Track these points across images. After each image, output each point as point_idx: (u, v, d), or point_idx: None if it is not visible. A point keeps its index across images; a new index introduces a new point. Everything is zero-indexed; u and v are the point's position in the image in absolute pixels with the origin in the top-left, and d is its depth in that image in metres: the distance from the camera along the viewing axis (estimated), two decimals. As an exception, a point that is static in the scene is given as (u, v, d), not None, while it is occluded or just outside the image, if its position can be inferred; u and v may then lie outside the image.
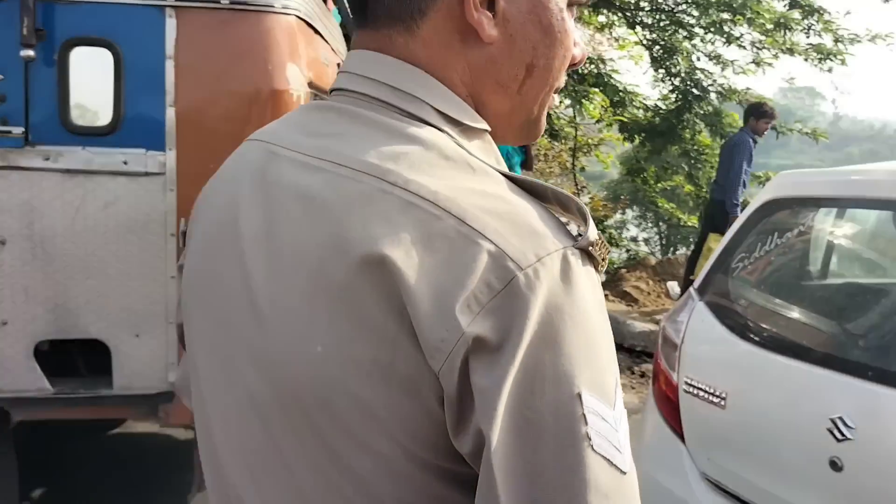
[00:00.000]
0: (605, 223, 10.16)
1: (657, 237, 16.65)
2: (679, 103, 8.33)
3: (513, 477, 0.53)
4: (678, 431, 2.32)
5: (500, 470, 0.53)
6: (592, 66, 7.61)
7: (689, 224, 10.03)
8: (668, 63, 8.30)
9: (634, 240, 15.19)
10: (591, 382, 0.55)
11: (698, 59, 8.49)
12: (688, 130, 8.32)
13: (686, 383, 2.29)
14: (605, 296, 5.67)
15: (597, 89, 7.65)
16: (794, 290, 2.55)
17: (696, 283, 2.49)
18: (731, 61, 8.37)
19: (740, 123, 8.59)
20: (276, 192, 0.66)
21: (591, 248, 0.58)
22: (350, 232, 0.58)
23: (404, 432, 0.57)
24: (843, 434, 1.83)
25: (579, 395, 0.54)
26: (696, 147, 8.52)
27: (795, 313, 2.39)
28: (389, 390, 0.56)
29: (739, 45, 8.35)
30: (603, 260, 0.60)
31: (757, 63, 8.41)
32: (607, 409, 0.56)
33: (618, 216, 14.31)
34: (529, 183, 0.62)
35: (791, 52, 8.19)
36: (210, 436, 0.71)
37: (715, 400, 2.18)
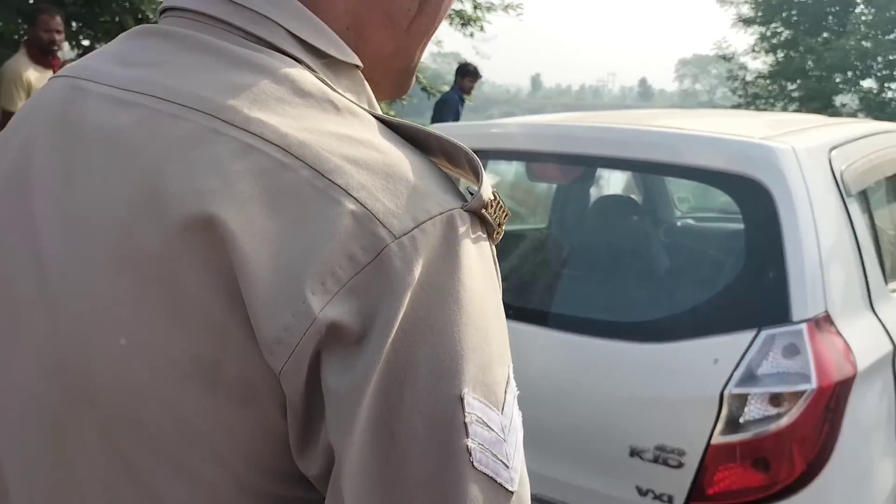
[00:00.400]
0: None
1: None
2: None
3: None
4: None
5: (354, 499, 0.42)
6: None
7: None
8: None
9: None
10: (476, 380, 0.45)
11: (353, 17, 8.64)
12: (347, 89, 8.46)
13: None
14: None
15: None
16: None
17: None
18: (385, 22, 8.66)
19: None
20: (78, 134, 0.51)
21: (484, 210, 0.47)
22: (168, 186, 0.45)
23: (233, 452, 0.45)
24: (489, 371, 1.97)
25: (461, 399, 0.44)
26: (356, 105, 8.71)
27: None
28: (215, 397, 0.44)
29: (392, 7, 8.66)
30: (499, 225, 0.49)
31: (409, 25, 8.79)
32: (494, 413, 0.45)
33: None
34: (409, 128, 0.51)
35: (438, 15, 8.70)
36: None
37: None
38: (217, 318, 0.44)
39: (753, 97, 16.63)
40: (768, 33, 16.93)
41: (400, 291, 0.43)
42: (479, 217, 0.48)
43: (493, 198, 0.48)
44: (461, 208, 0.47)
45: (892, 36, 14.92)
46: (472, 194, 0.48)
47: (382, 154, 0.47)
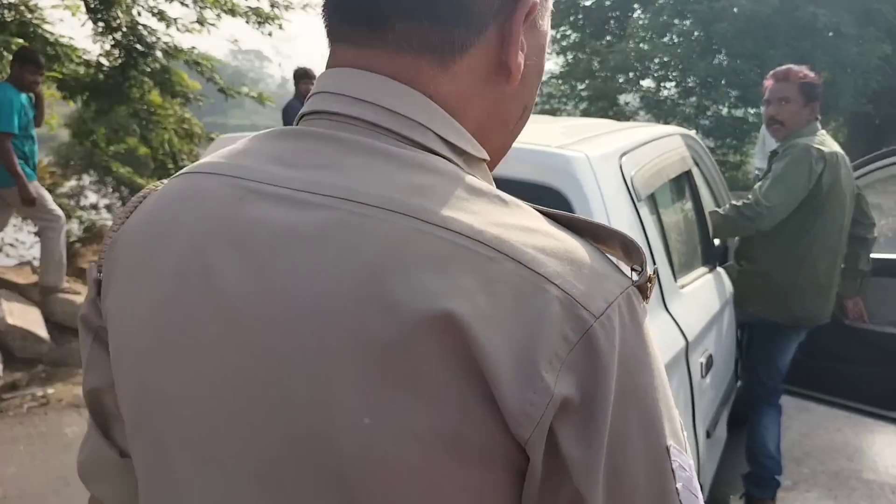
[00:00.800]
0: (58, 191, 9.16)
1: (120, 203, 15.73)
2: (123, 60, 7.80)
3: None
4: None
5: None
6: (14, 13, 6.58)
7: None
8: (106, 16, 7.66)
9: (95, 207, 14.22)
10: (672, 432, 0.54)
11: (139, 13, 8.04)
12: (136, 89, 7.85)
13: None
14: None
15: (21, 40, 6.65)
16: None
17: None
18: (175, 19, 8.13)
19: (190, 83, 8.51)
20: (264, 236, 0.55)
21: (647, 283, 0.56)
22: (394, 284, 0.50)
23: None
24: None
25: (667, 449, 0.53)
26: (146, 107, 8.12)
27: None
28: (457, 463, 0.50)
29: (182, 3, 8.16)
30: (650, 292, 0.57)
31: (201, 22, 8.34)
32: (685, 456, 0.54)
33: (73, 182, 13.13)
34: (564, 216, 0.58)
35: (232, 13, 8.31)
36: None
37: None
38: (458, 397, 0.49)
39: (548, 96, 17.55)
40: (558, 36, 17.91)
41: (609, 365, 0.50)
42: (640, 289, 0.55)
43: (652, 273, 0.56)
44: (632, 285, 0.55)
45: (665, 39, 16.31)
46: (634, 271, 0.56)
47: (560, 242, 0.54)
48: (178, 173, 0.67)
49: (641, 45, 16.20)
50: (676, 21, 16.11)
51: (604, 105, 16.24)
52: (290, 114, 6.98)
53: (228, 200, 0.58)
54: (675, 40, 16.32)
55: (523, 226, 0.54)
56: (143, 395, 0.62)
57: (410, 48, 0.59)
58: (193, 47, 8.26)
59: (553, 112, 16.39)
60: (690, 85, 16.25)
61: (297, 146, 0.60)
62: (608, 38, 17.53)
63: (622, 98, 17.14)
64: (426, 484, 0.50)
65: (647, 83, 16.96)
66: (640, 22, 17.14)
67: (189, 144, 8.43)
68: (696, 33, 15.79)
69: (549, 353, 0.49)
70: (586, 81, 17.20)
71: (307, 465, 0.52)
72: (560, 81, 17.77)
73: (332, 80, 0.61)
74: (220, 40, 9.39)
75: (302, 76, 7.13)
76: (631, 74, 16.71)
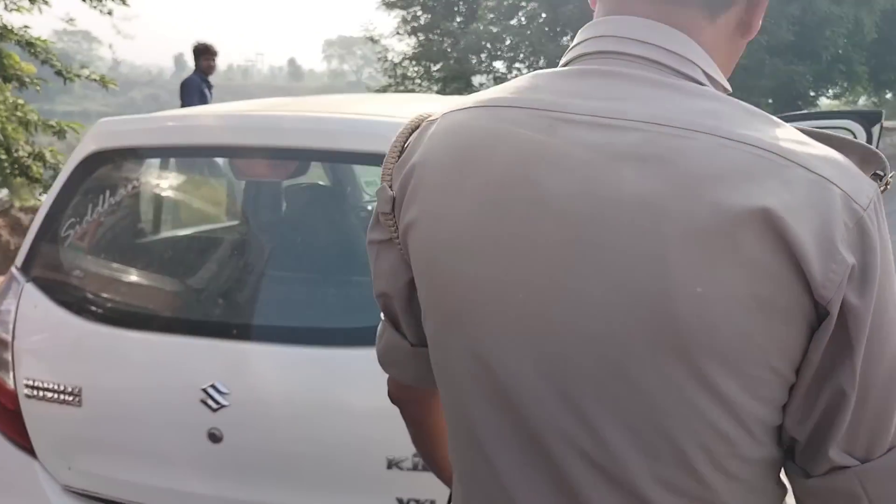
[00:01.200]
0: None
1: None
2: (-57, 41, 7.00)
3: (867, 374, 0.67)
4: (25, 446, 1.89)
5: (862, 370, 0.66)
6: None
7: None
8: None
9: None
10: None
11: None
12: (-41, 74, 7.09)
13: (28, 386, 1.87)
14: None
15: None
16: (135, 254, 2.32)
17: (19, 260, 2.03)
18: (2, -4, 7.39)
19: (23, 65, 7.77)
20: (583, 153, 0.68)
21: (886, 186, 0.70)
22: (714, 187, 0.64)
23: (775, 353, 0.66)
24: (217, 402, 1.72)
25: None
26: (-26, 94, 7.34)
27: (141, 280, 2.17)
28: (768, 320, 0.64)
29: (8, -22, 7.42)
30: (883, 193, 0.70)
31: (31, 1, 7.63)
32: None
33: None
34: (816, 132, 0.71)
35: (69, -10, 7.65)
36: (506, 395, 0.72)
37: (68, 398, 1.83)
38: (771, 269, 0.63)
39: (402, 77, 17.51)
40: (409, 17, 17.88)
41: (876, 245, 0.65)
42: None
43: (889, 177, 0.70)
44: (879, 187, 0.68)
45: (514, 21, 16.68)
46: (877, 175, 0.70)
47: (825, 151, 0.67)
48: (459, 107, 0.78)
49: (491, 27, 16.47)
50: (524, 3, 16.50)
51: (459, 86, 16.40)
52: (189, 87, 6.63)
53: (538, 126, 0.70)
54: (523, 22, 16.73)
55: (796, 139, 0.67)
56: (467, 284, 0.73)
57: (693, 3, 0.73)
58: (26, 26, 7.53)
59: (411, 93, 16.38)
60: (541, 66, 16.73)
61: (588, 82, 0.72)
62: (458, 19, 17.68)
63: (476, 79, 17.38)
64: (743, 336, 0.65)
65: (498, 65, 17.29)
66: (488, 3, 17.41)
67: (24, 133, 7.72)
68: (543, 15, 16.26)
69: (839, 236, 0.63)
70: (440, 63, 17.30)
71: (648, 329, 0.65)
72: (413, 63, 17.78)
73: (614, 27, 0.74)
74: (48, 19, 8.60)
75: (203, 51, 6.80)
76: (483, 56, 16.98)
